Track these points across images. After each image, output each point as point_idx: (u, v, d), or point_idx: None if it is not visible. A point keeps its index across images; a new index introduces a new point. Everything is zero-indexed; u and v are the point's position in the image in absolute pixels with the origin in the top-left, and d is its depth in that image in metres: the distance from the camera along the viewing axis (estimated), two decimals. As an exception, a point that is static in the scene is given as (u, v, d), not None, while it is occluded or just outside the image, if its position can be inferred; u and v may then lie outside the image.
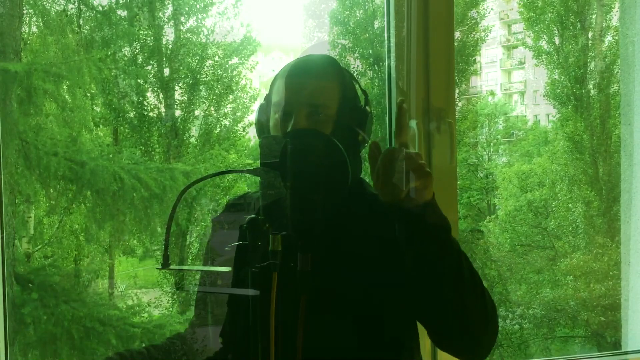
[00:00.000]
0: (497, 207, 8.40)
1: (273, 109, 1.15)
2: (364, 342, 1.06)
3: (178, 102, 6.05)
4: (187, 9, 6.01)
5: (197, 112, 6.13)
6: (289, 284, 0.91)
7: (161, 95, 5.98)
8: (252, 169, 1.01)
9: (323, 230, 1.07)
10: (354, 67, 6.51)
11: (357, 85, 1.20)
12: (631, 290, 2.30)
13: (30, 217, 4.85)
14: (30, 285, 4.19)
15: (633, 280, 2.29)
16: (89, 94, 5.32)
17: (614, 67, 7.00)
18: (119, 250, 5.67)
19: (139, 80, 5.88)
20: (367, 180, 1.20)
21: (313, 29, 7.98)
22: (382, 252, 1.07)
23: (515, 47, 9.48)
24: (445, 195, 1.77)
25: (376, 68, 6.36)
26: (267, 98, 1.20)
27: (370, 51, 6.52)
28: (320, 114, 1.11)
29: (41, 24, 5.16)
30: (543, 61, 7.48)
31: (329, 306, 1.04)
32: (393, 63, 1.81)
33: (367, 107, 1.17)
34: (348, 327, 1.05)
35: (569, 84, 7.14)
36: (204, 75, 6.14)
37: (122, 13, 5.64)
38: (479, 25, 7.75)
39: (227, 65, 6.27)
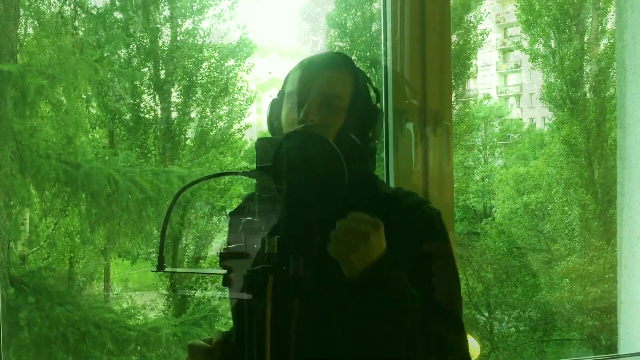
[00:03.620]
0: (493, 210, 8.41)
1: (286, 99, 1.15)
2: (357, 345, 1.05)
3: (174, 104, 6.04)
4: (183, 11, 6.00)
5: (193, 115, 6.13)
6: (282, 287, 0.90)
7: (157, 98, 5.97)
8: (248, 171, 1.00)
9: (317, 234, 1.07)
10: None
11: (369, 85, 1.19)
12: (627, 293, 2.30)
13: (25, 219, 4.83)
14: (25, 287, 4.17)
15: (629, 283, 2.29)
16: (84, 96, 5.30)
17: (610, 70, 7.02)
18: (115, 253, 5.66)
19: (135, 82, 5.87)
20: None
21: (308, 32, 7.99)
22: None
23: (511, 50, 9.51)
24: (441, 198, 1.77)
25: (373, 71, 6.36)
26: (280, 92, 1.20)
27: (368, 54, 6.53)
28: (332, 104, 1.11)
29: (37, 26, 5.15)
30: (539, 64, 7.50)
31: (321, 309, 1.04)
32: (390, 66, 1.81)
33: (378, 105, 1.17)
34: (340, 330, 1.05)
35: (565, 87, 7.17)
36: (200, 78, 6.14)
37: (118, 15, 5.63)
38: (476, 28, 7.78)
39: (223, 68, 6.26)
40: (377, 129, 1.16)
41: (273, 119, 1.19)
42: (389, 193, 1.17)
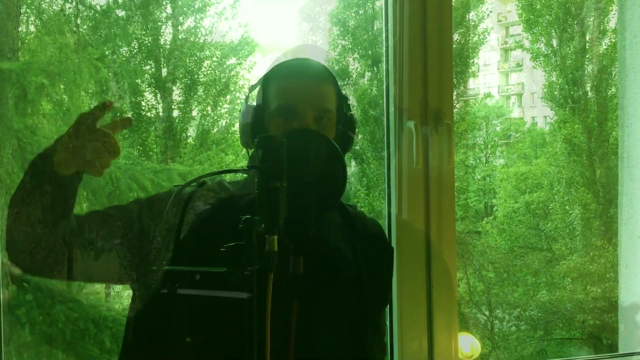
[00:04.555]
0: (494, 209, 8.41)
1: (275, 112, 1.12)
2: (355, 346, 1.05)
3: (175, 102, 6.04)
4: (184, 9, 6.00)
5: (194, 113, 6.13)
6: (281, 287, 0.90)
7: (158, 96, 5.97)
8: (247, 168, 0.99)
9: (316, 234, 1.07)
10: (352, 68, 6.51)
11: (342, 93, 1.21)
12: (628, 292, 2.30)
13: (26, 217, 4.82)
14: (26, 285, 4.17)
15: (630, 282, 2.29)
16: (86, 94, 5.30)
17: (611, 69, 7.01)
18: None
19: (136, 80, 5.87)
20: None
21: (307, 32, 7.99)
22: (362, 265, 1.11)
23: (513, 49, 9.50)
24: (442, 197, 1.77)
25: (375, 69, 6.36)
26: (260, 100, 1.15)
27: (370, 52, 6.52)
28: (325, 118, 1.12)
29: (39, 24, 5.15)
30: (540, 63, 7.49)
31: (320, 309, 1.04)
32: (391, 65, 1.80)
33: (351, 113, 1.19)
34: (339, 330, 1.05)
35: (567, 86, 7.16)
36: (202, 76, 6.14)
37: (120, 13, 5.63)
38: (477, 27, 7.78)
39: (224, 66, 6.26)
40: (354, 138, 1.19)
41: (249, 128, 1.13)
42: (355, 212, 1.21)
